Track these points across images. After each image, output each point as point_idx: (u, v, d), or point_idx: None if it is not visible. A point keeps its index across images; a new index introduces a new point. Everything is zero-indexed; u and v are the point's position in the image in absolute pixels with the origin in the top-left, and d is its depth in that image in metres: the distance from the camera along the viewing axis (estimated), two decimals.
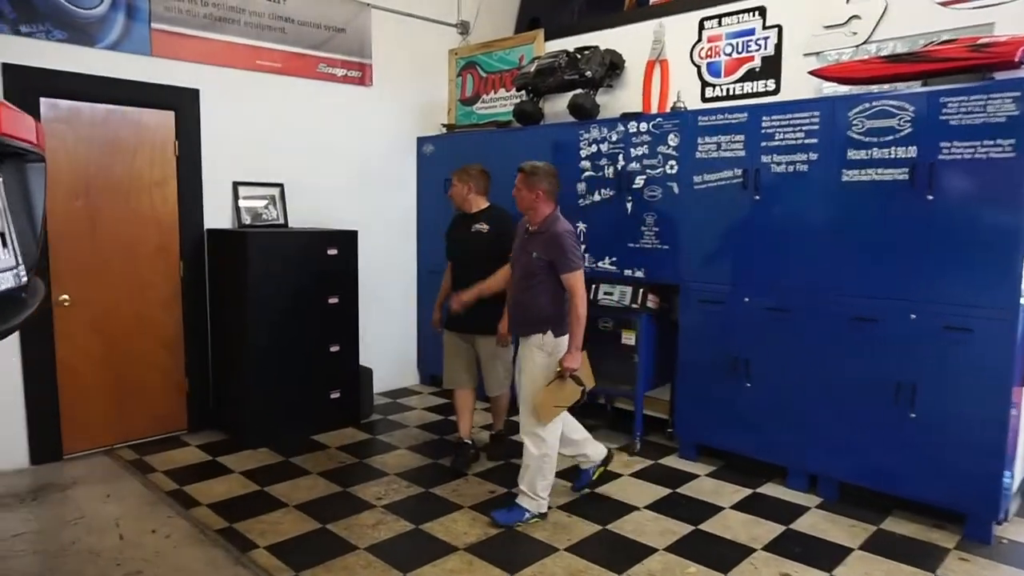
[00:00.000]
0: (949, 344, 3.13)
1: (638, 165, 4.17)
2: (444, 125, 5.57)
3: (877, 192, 3.27)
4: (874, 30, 3.68)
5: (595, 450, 3.65)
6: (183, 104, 4.26)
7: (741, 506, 3.53)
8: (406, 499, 3.57)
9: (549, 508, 3.40)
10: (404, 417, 4.92)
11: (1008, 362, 3.02)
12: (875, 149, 3.26)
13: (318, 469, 3.92)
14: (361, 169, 5.17)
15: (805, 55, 3.90)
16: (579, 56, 4.48)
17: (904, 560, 3.00)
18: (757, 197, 3.68)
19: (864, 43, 3.69)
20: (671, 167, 4.03)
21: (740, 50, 4.16)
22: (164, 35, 4.16)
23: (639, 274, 4.22)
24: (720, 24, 4.25)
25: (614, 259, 4.34)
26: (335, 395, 4.57)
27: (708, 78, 4.31)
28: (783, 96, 3.98)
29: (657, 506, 3.53)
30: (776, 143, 3.59)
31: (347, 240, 4.55)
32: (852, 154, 3.34)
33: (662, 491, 3.71)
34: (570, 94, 4.55)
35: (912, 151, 3.16)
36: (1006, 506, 3.25)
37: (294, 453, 4.15)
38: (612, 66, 4.50)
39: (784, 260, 3.62)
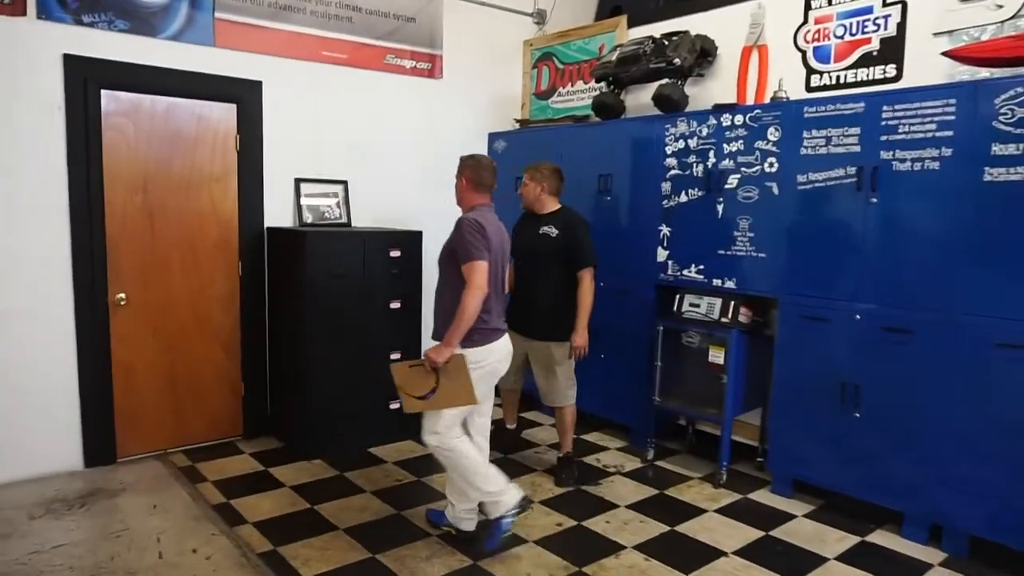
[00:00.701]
0: None
1: (732, 163, 3.72)
2: (517, 120, 5.24)
3: None
4: None
5: (507, 493, 3.00)
6: (245, 97, 4.08)
7: (848, 557, 3.04)
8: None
9: (623, 548, 3.01)
10: None
11: None
12: None
13: (372, 487, 3.65)
14: (428, 166, 4.90)
15: (935, 35, 3.35)
16: (666, 42, 4.06)
17: None
18: (874, 199, 3.18)
19: (1012, 18, 3.12)
20: (770, 165, 3.56)
21: (854, 31, 3.65)
22: (228, 25, 3.99)
23: (730, 285, 3.77)
24: (830, 3, 3.74)
25: (701, 267, 3.90)
26: (394, 405, 4.29)
27: (815, 64, 3.81)
28: (905, 83, 3.45)
29: (748, 552, 3.07)
30: (900, 137, 3.09)
31: (412, 241, 4.28)
32: (998, 149, 2.81)
33: (753, 533, 3.25)
34: (655, 84, 4.13)
35: None
36: None
37: (349, 467, 3.90)
38: (703, 53, 4.06)
39: (907, 273, 3.10)
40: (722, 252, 3.79)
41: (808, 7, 3.83)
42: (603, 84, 4.58)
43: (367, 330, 4.10)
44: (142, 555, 2.90)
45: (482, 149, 5.16)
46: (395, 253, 4.18)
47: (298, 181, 4.34)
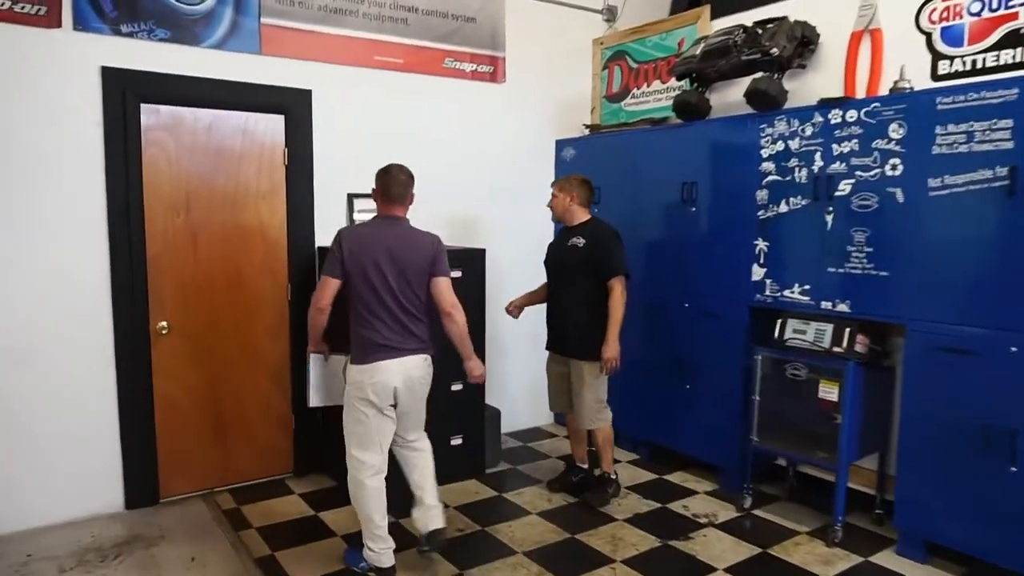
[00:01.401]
0: None
1: (843, 165, 3.18)
2: (587, 125, 4.80)
3: None
4: None
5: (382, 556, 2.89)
6: (294, 107, 3.78)
7: None
8: None
9: None
10: (537, 468, 4.16)
11: None
12: None
13: None
14: (490, 177, 4.50)
15: None
16: (760, 31, 3.56)
17: None
18: None
19: None
20: (893, 167, 3.02)
21: (995, 6, 3.07)
22: (275, 31, 3.69)
23: (843, 308, 3.22)
24: None
25: (806, 288, 3.36)
26: (456, 441, 3.90)
27: (943, 48, 3.23)
28: None
29: None
30: None
31: (473, 260, 3.88)
32: None
33: None
34: (747, 79, 3.63)
35: None
36: None
37: (405, 511, 3.49)
38: (804, 41, 3.53)
39: None
40: (832, 270, 3.24)
41: None
42: (685, 82, 4.10)
43: None
44: None
45: (549, 158, 4.74)
46: (455, 274, 3.77)
47: (351, 196, 4.01)
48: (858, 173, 3.13)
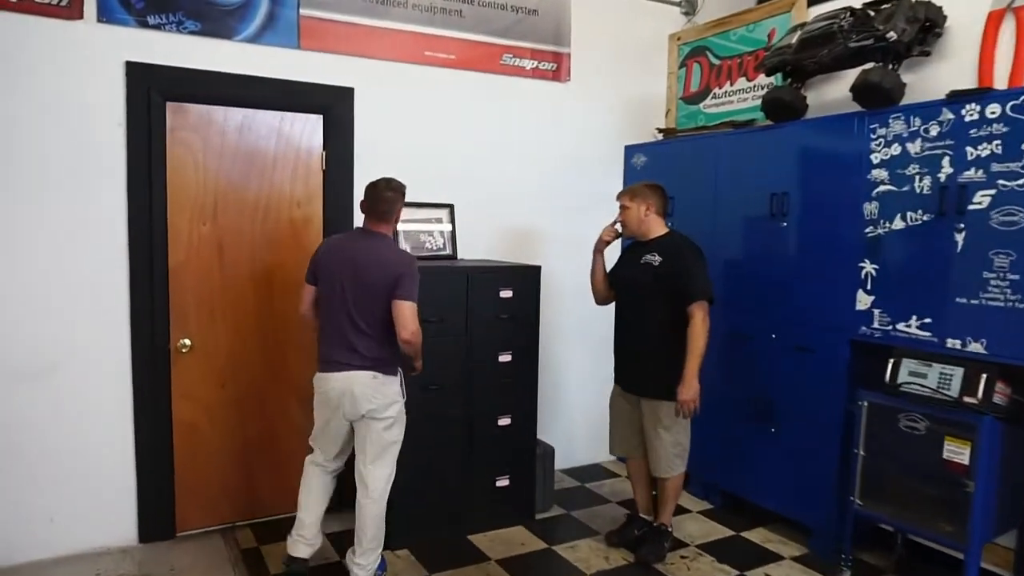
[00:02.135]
0: None
1: (980, 173, 2.58)
2: (660, 130, 4.30)
3: None
4: None
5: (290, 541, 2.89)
6: (334, 106, 3.44)
7: None
8: None
9: None
10: (594, 515, 3.66)
11: None
12: None
13: None
14: (550, 187, 4.06)
15: None
16: (872, 13, 2.99)
17: None
18: None
19: None
20: None
21: None
22: (315, 23, 3.37)
23: (976, 347, 2.61)
24: None
25: (927, 321, 2.76)
26: (502, 482, 3.44)
27: None
28: None
29: None
30: None
31: (527, 279, 3.43)
32: None
33: None
34: (854, 72, 3.06)
35: None
36: None
37: (441, 564, 3.08)
38: (927, 25, 2.94)
39: None
40: (963, 301, 2.63)
41: None
42: (775, 78, 3.57)
43: (469, 389, 3.29)
44: None
45: (616, 165, 4.25)
46: (506, 293, 3.35)
47: None
48: (1001, 182, 2.52)
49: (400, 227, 3.59)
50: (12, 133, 2.86)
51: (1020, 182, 2.47)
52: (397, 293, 2.61)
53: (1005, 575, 2.80)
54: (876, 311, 2.93)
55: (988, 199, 2.55)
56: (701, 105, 4.23)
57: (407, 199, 3.56)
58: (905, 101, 2.92)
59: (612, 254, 3.31)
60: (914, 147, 2.78)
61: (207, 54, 3.16)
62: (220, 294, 3.28)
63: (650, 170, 4.10)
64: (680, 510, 3.66)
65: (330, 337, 2.74)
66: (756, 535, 3.46)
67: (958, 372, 2.63)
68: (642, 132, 4.35)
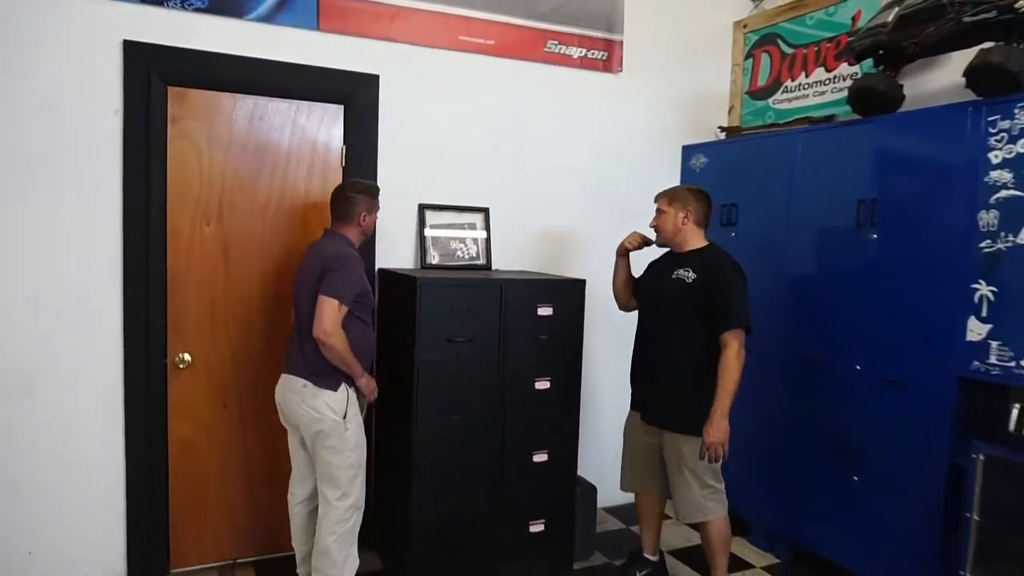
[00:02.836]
0: None
1: None
2: (723, 128, 3.83)
3: None
4: None
5: None
6: (356, 96, 3.07)
7: None
8: None
9: None
10: None
11: None
12: None
13: None
14: (598, 190, 3.62)
15: None
16: None
17: None
18: None
19: None
20: None
21: None
22: (337, 2, 3.01)
23: None
24: None
25: None
26: (537, 527, 3.00)
27: None
28: None
29: None
30: None
31: (570, 294, 2.99)
32: None
33: None
34: (964, 55, 2.56)
35: None
36: None
37: None
38: None
39: None
40: None
41: None
42: (863, 65, 3.07)
43: (500, 419, 2.86)
44: None
45: (673, 167, 3.80)
46: (545, 310, 2.92)
47: (423, 208, 3.25)
48: None
49: (428, 233, 3.23)
50: None
51: None
52: (320, 287, 2.42)
53: None
54: (993, 343, 2.41)
55: None
56: (770, 100, 3.75)
57: (436, 202, 3.26)
58: None
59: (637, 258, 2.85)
60: None
61: (215, 34, 2.82)
62: (224, 303, 2.93)
63: (711, 173, 3.64)
64: (737, 563, 3.18)
65: (290, 338, 2.66)
66: None
67: None
68: (701, 131, 3.89)
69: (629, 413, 2.93)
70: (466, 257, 3.32)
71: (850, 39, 3.06)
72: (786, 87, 3.65)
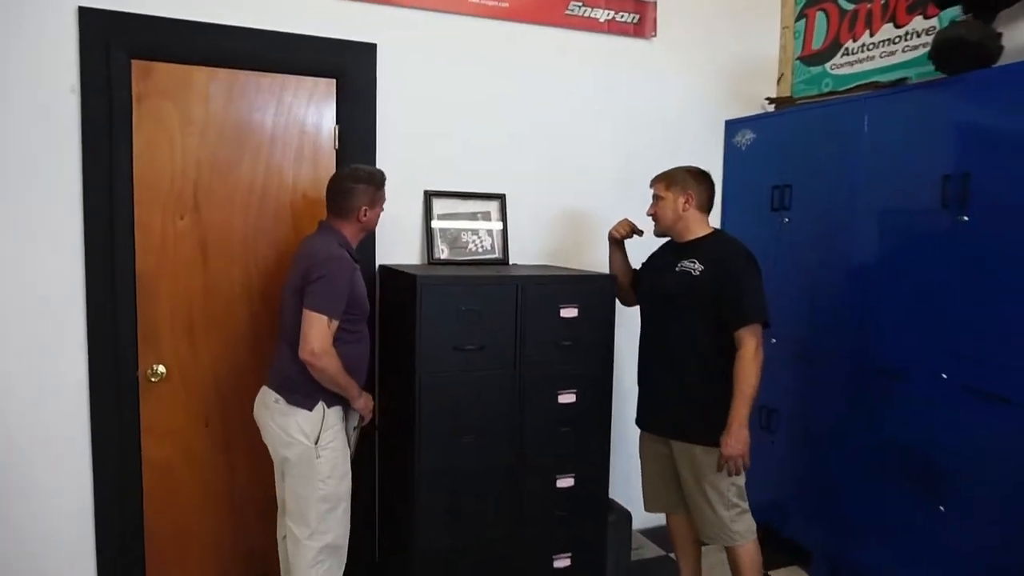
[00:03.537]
0: None
1: None
2: (771, 99, 3.37)
3: None
4: None
5: None
6: (350, 68, 2.68)
7: None
8: None
9: None
10: None
11: None
12: None
13: None
14: (628, 172, 3.17)
15: None
16: None
17: None
18: None
19: None
20: None
21: None
22: None
23: None
24: None
25: None
26: (562, 562, 2.60)
27: None
28: None
29: None
30: None
31: (598, 292, 2.58)
32: None
33: None
34: None
35: None
36: None
37: None
38: None
39: None
40: None
41: None
42: (945, 15, 2.59)
43: (518, 438, 2.47)
44: None
45: (715, 144, 3.37)
46: (569, 311, 2.50)
47: (429, 195, 2.86)
48: None
49: (436, 224, 2.84)
50: None
51: None
52: (304, 299, 2.08)
53: None
54: None
55: None
56: (827, 65, 3.27)
57: (444, 189, 2.87)
58: None
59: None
60: None
61: None
62: (203, 308, 2.58)
63: (759, 150, 3.19)
64: None
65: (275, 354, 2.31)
66: None
67: None
68: (747, 103, 3.43)
69: (640, 435, 2.59)
70: (479, 250, 2.92)
71: None
72: (847, 49, 3.17)
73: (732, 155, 3.33)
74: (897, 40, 2.93)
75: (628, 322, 2.70)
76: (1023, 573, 2.17)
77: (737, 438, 2.21)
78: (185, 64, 2.48)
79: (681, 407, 2.38)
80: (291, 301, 2.14)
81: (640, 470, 2.61)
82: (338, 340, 2.12)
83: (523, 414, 2.46)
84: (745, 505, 2.39)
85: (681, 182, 2.41)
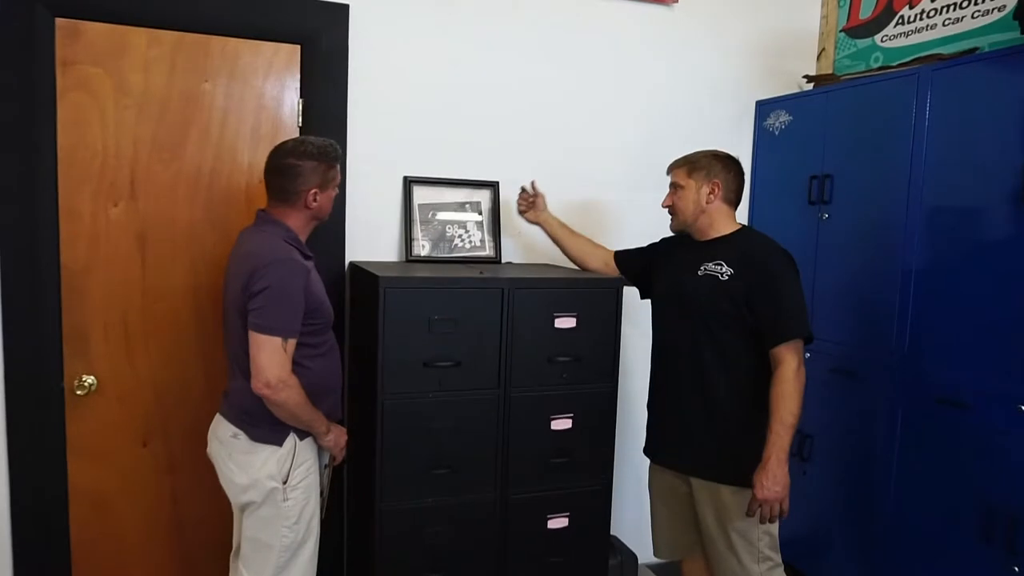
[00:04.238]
0: None
1: None
2: (810, 77, 2.93)
3: None
4: None
5: None
6: (318, 32, 2.31)
7: None
8: None
9: None
10: None
11: None
12: None
13: None
14: (646, 160, 2.76)
15: None
16: None
17: None
18: None
19: None
20: None
21: None
22: None
23: None
24: None
25: None
26: None
27: None
28: None
29: None
30: None
31: (600, 299, 2.17)
32: None
33: None
34: None
35: None
36: None
37: None
38: None
39: None
40: None
41: None
42: None
43: (503, 471, 2.08)
44: None
45: (744, 127, 2.96)
46: (565, 322, 2.11)
47: (409, 182, 2.48)
48: None
49: (417, 215, 2.46)
50: None
51: None
52: (249, 317, 1.67)
53: None
54: None
55: None
56: (877, 37, 2.82)
57: (426, 175, 2.48)
58: None
59: (628, 238, 2.00)
60: None
61: None
62: (141, 310, 2.22)
63: (796, 135, 2.77)
64: None
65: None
66: None
67: None
68: (781, 81, 2.99)
69: (650, 468, 2.21)
70: (467, 247, 2.53)
71: None
72: (902, 17, 2.72)
73: (763, 140, 2.90)
74: (966, 4, 2.48)
75: (637, 330, 2.30)
76: None
77: (775, 478, 1.81)
78: (120, 24, 2.12)
79: (705, 437, 1.99)
80: (234, 319, 1.75)
81: (650, 508, 2.22)
82: (300, 359, 1.74)
83: (509, 443, 2.07)
84: (778, 558, 1.99)
85: (706, 169, 2.02)
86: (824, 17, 3.04)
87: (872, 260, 2.44)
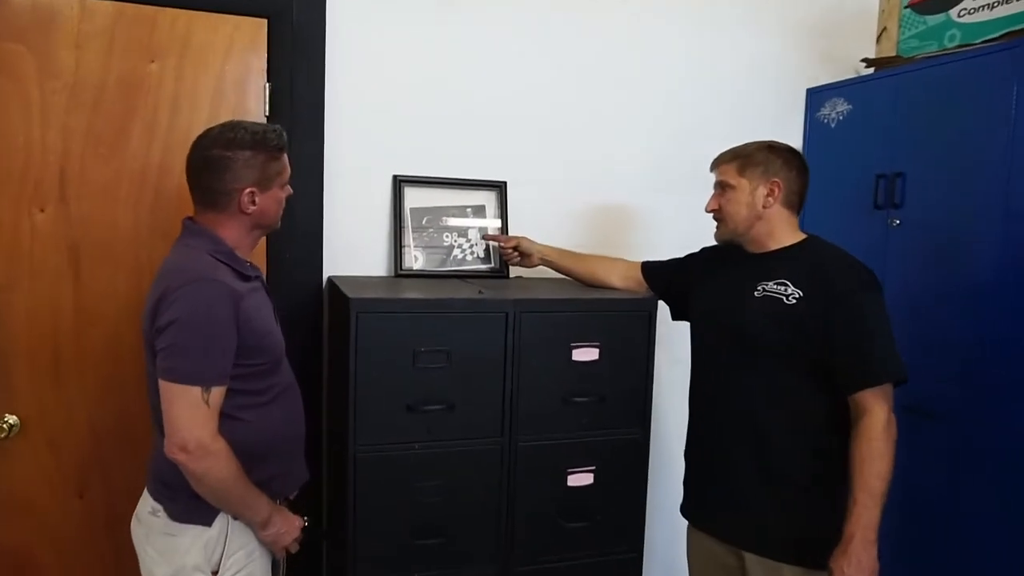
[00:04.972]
0: None
1: None
2: (869, 61, 2.53)
3: None
4: None
5: None
6: (286, 4, 1.94)
7: None
8: None
9: None
10: None
11: None
12: None
13: None
14: (677, 158, 2.36)
15: None
16: None
17: None
18: None
19: None
20: None
21: None
22: None
23: None
24: None
25: None
26: None
27: None
28: None
29: None
30: None
31: (628, 323, 1.77)
32: None
33: None
34: None
35: None
36: None
37: None
38: None
39: None
40: None
41: None
42: None
43: (508, 541, 1.68)
44: None
45: (793, 118, 2.55)
46: (586, 353, 1.71)
47: (399, 182, 2.09)
48: None
49: (408, 222, 2.08)
50: None
51: None
52: (158, 360, 1.29)
53: None
54: None
55: None
56: (951, 12, 2.40)
57: (420, 175, 2.10)
58: None
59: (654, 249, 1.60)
60: None
61: None
62: (74, 334, 1.86)
63: (855, 127, 2.37)
64: None
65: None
66: None
67: None
68: (835, 66, 2.59)
69: (690, 532, 1.78)
70: (468, 259, 2.15)
71: None
72: None
73: (817, 133, 2.49)
74: None
75: (669, 355, 1.89)
76: None
77: (859, 564, 1.41)
78: None
79: (762, 504, 1.58)
80: (149, 361, 1.36)
81: None
82: (233, 410, 1.34)
83: (514, 504, 1.67)
84: None
85: (763, 165, 1.62)
86: None
87: (954, 277, 2.03)
